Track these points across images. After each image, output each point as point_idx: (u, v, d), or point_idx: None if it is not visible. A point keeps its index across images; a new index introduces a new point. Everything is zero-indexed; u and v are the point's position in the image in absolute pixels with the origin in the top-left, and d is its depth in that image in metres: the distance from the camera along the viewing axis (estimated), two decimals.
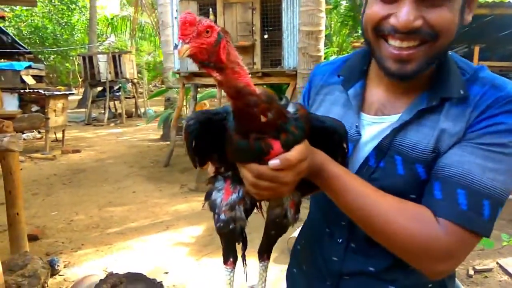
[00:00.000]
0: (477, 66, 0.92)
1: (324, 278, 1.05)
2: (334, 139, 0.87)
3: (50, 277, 3.49)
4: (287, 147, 0.75)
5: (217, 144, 0.85)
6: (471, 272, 3.60)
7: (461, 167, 0.82)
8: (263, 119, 0.73)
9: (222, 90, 0.74)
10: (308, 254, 1.13)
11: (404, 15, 0.80)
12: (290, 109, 0.80)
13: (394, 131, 0.90)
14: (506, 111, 0.82)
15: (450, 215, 0.80)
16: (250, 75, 0.74)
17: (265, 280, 1.01)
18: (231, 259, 0.97)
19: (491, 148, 0.81)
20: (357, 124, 0.97)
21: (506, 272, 3.64)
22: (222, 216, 0.89)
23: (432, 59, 0.85)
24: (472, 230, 0.79)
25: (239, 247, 1.00)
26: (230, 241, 0.96)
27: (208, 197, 0.94)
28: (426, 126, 0.88)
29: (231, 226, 0.90)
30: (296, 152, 0.76)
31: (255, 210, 1.02)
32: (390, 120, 0.93)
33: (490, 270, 3.67)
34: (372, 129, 0.96)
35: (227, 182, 0.91)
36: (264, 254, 1.02)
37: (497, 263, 3.76)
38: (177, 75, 7.85)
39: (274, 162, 0.74)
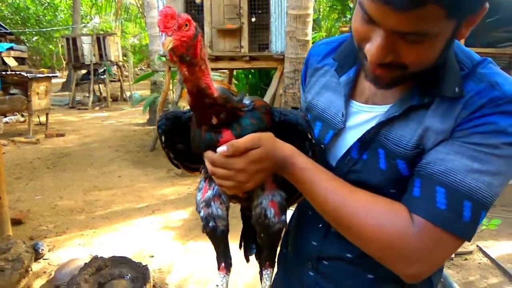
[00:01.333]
0: (479, 59, 0.84)
1: (305, 261, 1.05)
2: (299, 132, 0.87)
3: (34, 261, 3.46)
4: (242, 136, 0.79)
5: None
6: (452, 255, 3.69)
7: (444, 165, 0.77)
8: (214, 120, 0.78)
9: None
10: (293, 236, 1.13)
11: (373, 50, 0.74)
12: (246, 101, 0.83)
13: (380, 124, 0.87)
14: (500, 112, 0.76)
15: (425, 213, 0.76)
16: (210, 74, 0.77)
17: None
18: (223, 264, 0.96)
19: (479, 148, 0.75)
20: (343, 112, 0.94)
21: (485, 254, 3.73)
22: (201, 213, 0.92)
23: (407, 78, 0.80)
24: (449, 231, 0.75)
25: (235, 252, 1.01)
26: (217, 243, 0.95)
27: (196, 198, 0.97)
28: (413, 121, 0.83)
29: (210, 224, 0.91)
30: (244, 139, 0.78)
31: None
32: (378, 111, 0.89)
33: (470, 252, 3.76)
34: (360, 117, 0.93)
35: (206, 180, 0.94)
36: (266, 261, 0.98)
37: (477, 245, 3.85)
38: (163, 58, 7.73)
39: (221, 148, 0.78)
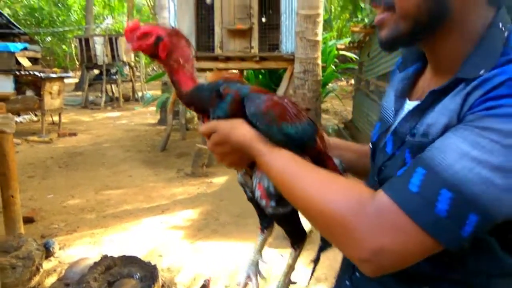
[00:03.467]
0: None
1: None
2: None
3: (45, 259, 3.50)
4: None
5: None
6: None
7: (437, 148, 0.64)
8: (187, 108, 0.99)
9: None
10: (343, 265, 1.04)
11: None
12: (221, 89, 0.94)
13: (407, 116, 0.81)
14: None
15: (390, 190, 0.65)
16: (191, 74, 0.92)
17: (290, 267, 1.02)
18: (260, 226, 1.07)
19: (485, 134, 0.60)
20: (393, 108, 0.89)
21: None
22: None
23: (403, 31, 0.75)
24: (413, 219, 0.62)
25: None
26: (253, 206, 1.04)
27: None
28: (433, 111, 0.73)
29: (242, 189, 1.04)
30: (204, 125, 0.92)
31: None
32: None
33: None
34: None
35: None
36: (289, 240, 1.02)
37: None
38: None
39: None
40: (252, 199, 1.00)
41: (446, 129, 0.67)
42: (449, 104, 0.69)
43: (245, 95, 0.89)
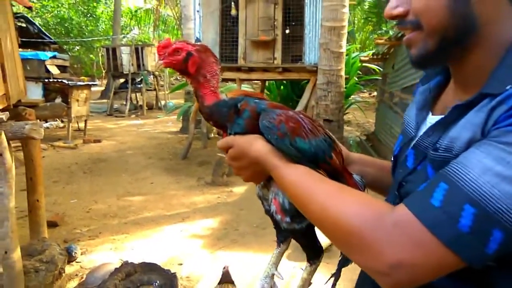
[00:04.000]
0: None
1: None
2: None
3: (67, 264, 3.56)
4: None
5: None
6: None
7: (461, 163, 0.63)
8: (208, 122, 1.00)
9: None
10: (361, 279, 1.00)
11: (389, 3, 0.77)
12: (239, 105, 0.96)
13: (429, 130, 0.79)
14: None
15: (411, 204, 0.64)
16: (215, 88, 0.96)
17: (305, 281, 1.01)
18: (276, 239, 1.05)
19: (509, 149, 0.59)
20: (417, 121, 0.88)
21: None
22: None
23: (432, 48, 0.75)
24: (434, 234, 0.60)
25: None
26: (271, 220, 1.02)
27: None
28: (456, 124, 0.72)
29: (261, 202, 1.03)
30: (221, 140, 0.94)
31: None
32: None
33: None
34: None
35: None
36: (306, 255, 1.01)
37: None
38: None
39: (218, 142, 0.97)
40: (269, 212, 1.00)
41: (470, 143, 0.66)
42: (473, 119, 0.67)
43: (261, 110, 0.92)
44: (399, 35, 6.57)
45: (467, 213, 0.58)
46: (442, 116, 0.78)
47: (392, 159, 0.95)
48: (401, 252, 0.62)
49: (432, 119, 0.85)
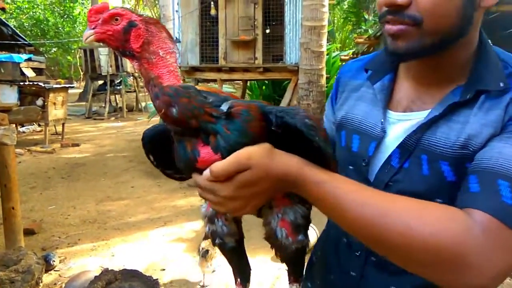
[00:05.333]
0: None
1: None
2: (303, 137, 0.70)
3: (45, 273, 3.44)
4: (225, 152, 0.67)
5: None
6: None
7: (502, 158, 0.68)
8: (163, 112, 0.68)
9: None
10: (323, 267, 1.01)
11: None
12: (223, 107, 0.70)
13: (421, 127, 0.80)
14: None
15: (490, 208, 0.64)
16: (174, 68, 0.71)
17: None
18: (238, 280, 0.90)
19: None
20: (382, 120, 0.87)
21: None
22: (207, 229, 0.85)
23: (427, 44, 0.75)
24: None
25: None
26: (229, 258, 0.89)
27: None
28: (458, 122, 0.77)
29: (217, 241, 0.83)
30: (227, 161, 0.65)
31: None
32: (418, 117, 0.83)
33: None
34: (398, 127, 0.86)
35: None
36: (290, 276, 0.92)
37: None
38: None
39: (204, 173, 0.69)
40: (236, 249, 0.85)
41: (489, 139, 0.73)
42: (489, 116, 0.74)
43: (268, 111, 0.72)
44: (378, 34, 6.62)
45: None
46: (410, 112, 0.84)
47: (363, 160, 0.90)
48: (497, 260, 0.62)
49: (398, 115, 0.87)
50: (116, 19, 0.68)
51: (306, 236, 0.83)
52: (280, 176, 0.69)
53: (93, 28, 0.68)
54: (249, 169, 0.66)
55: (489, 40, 0.82)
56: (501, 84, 0.75)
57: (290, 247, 0.80)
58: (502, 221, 0.62)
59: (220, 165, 0.66)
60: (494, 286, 0.65)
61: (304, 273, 0.95)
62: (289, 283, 0.92)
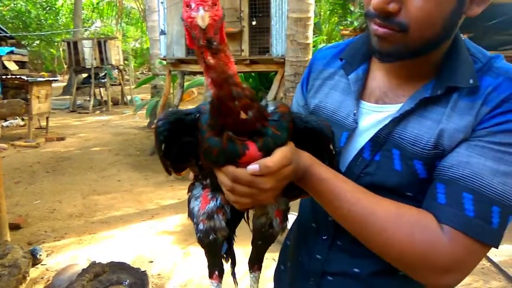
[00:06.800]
0: (492, 55, 0.83)
1: (307, 277, 0.98)
2: (320, 141, 0.81)
3: (32, 267, 3.42)
4: (266, 150, 0.71)
5: (191, 148, 0.80)
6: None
7: (468, 169, 0.74)
8: (242, 115, 0.67)
9: (202, 69, 0.69)
10: (294, 250, 1.07)
11: None
12: (270, 107, 0.75)
13: (393, 121, 0.83)
14: None
15: (455, 222, 0.73)
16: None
17: None
18: (217, 273, 0.92)
19: (504, 149, 0.73)
20: (355, 111, 0.89)
21: (488, 259, 3.68)
22: (201, 226, 0.84)
23: (411, 49, 0.77)
24: (480, 240, 0.72)
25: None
26: (213, 253, 0.90)
27: (188, 205, 0.90)
28: (429, 119, 0.80)
29: (211, 237, 0.84)
30: (278, 157, 0.70)
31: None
32: (390, 110, 0.85)
33: None
34: (371, 118, 0.88)
35: (205, 189, 0.86)
36: (255, 264, 0.95)
37: None
38: (164, 62, 7.71)
39: (252, 167, 0.69)
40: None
41: (459, 142, 0.77)
42: (462, 122, 0.77)
43: (295, 115, 0.79)
44: (363, 25, 6.65)
45: (495, 213, 0.72)
46: (383, 104, 0.87)
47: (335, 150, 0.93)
48: (461, 265, 0.74)
49: (371, 107, 0.89)
50: (215, 5, 0.64)
51: (286, 221, 0.89)
52: (299, 170, 0.77)
53: (207, 10, 0.61)
54: (290, 164, 0.73)
55: (471, 33, 0.85)
56: (471, 81, 0.77)
57: (276, 235, 0.86)
58: (464, 233, 0.72)
59: (275, 161, 0.70)
60: (457, 284, 0.76)
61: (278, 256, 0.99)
62: (252, 272, 0.95)
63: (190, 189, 0.92)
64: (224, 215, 0.84)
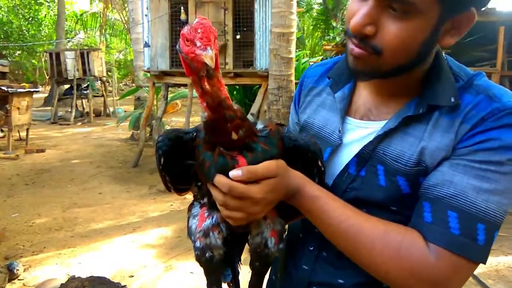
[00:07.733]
0: (474, 72, 0.84)
1: (295, 287, 0.99)
2: (308, 158, 0.84)
3: (8, 282, 3.34)
4: (256, 164, 0.75)
5: (191, 170, 0.85)
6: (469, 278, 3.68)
7: (453, 188, 0.75)
8: (234, 136, 0.72)
9: (197, 94, 0.73)
10: (282, 261, 1.07)
11: (357, 17, 0.75)
12: (259, 126, 0.80)
13: (377, 138, 0.85)
14: (502, 126, 0.74)
15: (440, 240, 0.74)
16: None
17: None
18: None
19: (485, 167, 0.74)
20: (340, 128, 0.92)
21: None
22: (197, 244, 0.87)
23: (383, 71, 0.79)
24: (466, 257, 0.73)
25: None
26: (211, 271, 0.91)
27: (187, 223, 0.93)
28: (412, 136, 0.82)
29: (207, 254, 0.86)
30: (262, 165, 0.74)
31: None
32: (375, 126, 0.88)
33: None
34: (356, 134, 0.91)
35: (203, 208, 0.89)
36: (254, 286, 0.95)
37: None
38: (148, 74, 7.69)
39: (235, 172, 0.73)
40: (219, 261, 0.88)
41: (441, 161, 0.78)
42: (444, 141, 0.78)
43: (284, 134, 0.83)
44: (345, 41, 6.78)
45: (481, 230, 0.73)
46: (367, 121, 0.90)
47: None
48: (445, 281, 0.75)
49: (357, 123, 0.92)
50: (216, 39, 0.69)
51: (283, 242, 0.89)
52: (289, 187, 0.80)
53: (212, 48, 0.66)
54: (276, 177, 0.76)
55: (449, 50, 0.88)
56: (452, 99, 0.79)
57: (272, 255, 0.87)
58: (450, 251, 0.74)
59: (259, 167, 0.75)
60: None
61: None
62: None
63: (189, 209, 0.94)
64: (220, 233, 0.86)
